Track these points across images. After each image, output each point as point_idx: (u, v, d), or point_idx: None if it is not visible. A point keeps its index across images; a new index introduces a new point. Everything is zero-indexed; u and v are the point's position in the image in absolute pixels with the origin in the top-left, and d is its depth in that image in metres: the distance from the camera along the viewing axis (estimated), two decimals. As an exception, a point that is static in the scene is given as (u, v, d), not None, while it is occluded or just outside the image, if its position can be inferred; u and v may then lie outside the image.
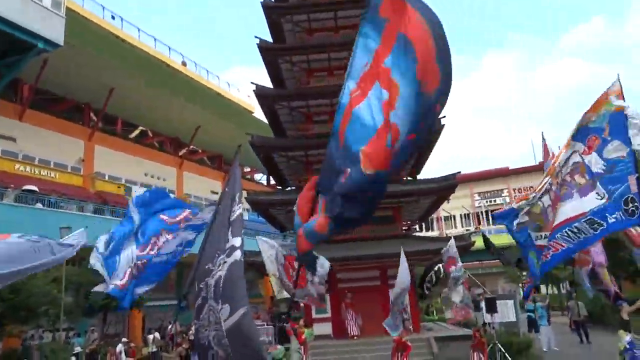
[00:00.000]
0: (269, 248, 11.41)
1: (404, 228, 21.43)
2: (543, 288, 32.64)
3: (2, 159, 25.67)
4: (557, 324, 20.45)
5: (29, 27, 22.31)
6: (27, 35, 22.44)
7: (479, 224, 59.44)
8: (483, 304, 16.28)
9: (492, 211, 60.67)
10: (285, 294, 12.09)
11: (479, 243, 21.10)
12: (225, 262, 3.97)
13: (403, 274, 11.53)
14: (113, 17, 31.54)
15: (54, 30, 23.73)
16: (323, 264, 10.53)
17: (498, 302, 16.08)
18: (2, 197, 20.52)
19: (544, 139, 8.30)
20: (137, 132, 39.34)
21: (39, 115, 28.53)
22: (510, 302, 17.63)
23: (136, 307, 20.11)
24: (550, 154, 8.20)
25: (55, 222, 19.13)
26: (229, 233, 4.17)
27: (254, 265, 19.58)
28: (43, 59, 25.66)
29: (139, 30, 33.24)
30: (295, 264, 11.08)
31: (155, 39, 34.50)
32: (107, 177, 32.20)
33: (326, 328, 19.27)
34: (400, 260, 11.75)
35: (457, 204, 56.70)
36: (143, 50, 32.24)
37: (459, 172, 19.91)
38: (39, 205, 21.56)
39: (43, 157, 28.34)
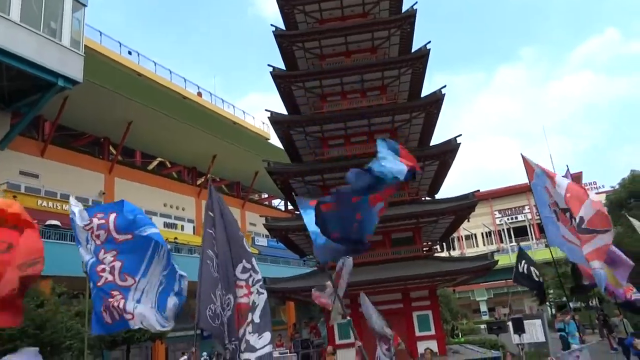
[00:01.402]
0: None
1: (424, 249, 21.14)
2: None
3: (25, 195, 26.20)
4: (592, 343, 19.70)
5: (48, 65, 22.99)
6: (47, 73, 23.12)
7: (501, 241, 58.39)
8: (510, 325, 15.85)
9: (514, 228, 59.65)
10: (340, 320, 11.71)
11: (502, 261, 20.70)
12: (257, 292, 3.99)
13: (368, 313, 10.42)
14: (130, 53, 32.55)
15: (73, 68, 24.43)
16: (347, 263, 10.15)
17: (525, 322, 15.64)
18: (26, 232, 20.84)
19: (524, 158, 8.25)
20: (155, 163, 39.95)
21: (60, 151, 29.20)
22: (538, 322, 17.11)
23: (159, 338, 20.06)
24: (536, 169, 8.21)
25: (77, 257, 19.36)
26: (246, 262, 4.13)
27: (276, 292, 19.48)
28: (63, 96, 26.39)
29: (155, 64, 34.19)
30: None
31: (171, 72, 35.41)
32: (127, 209, 32.59)
33: (350, 355, 18.93)
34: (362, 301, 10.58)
35: (477, 223, 55.91)
36: (159, 84, 33.04)
37: (478, 190, 19.68)
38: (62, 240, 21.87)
39: (65, 192, 28.84)
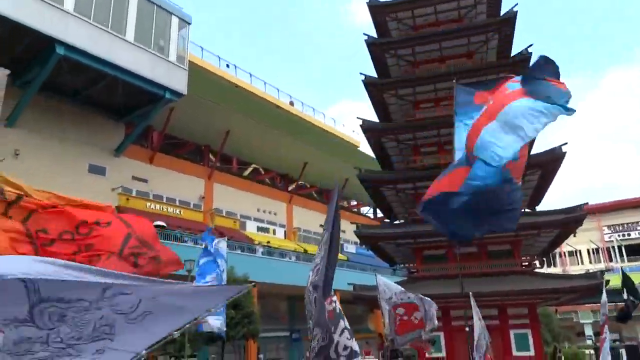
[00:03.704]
0: (386, 290, 11.09)
1: (523, 263, 19.89)
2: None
3: (136, 198, 28.63)
4: None
5: (158, 80, 25.08)
6: (156, 87, 25.24)
7: (610, 260, 53.28)
8: (623, 352, 14.38)
9: (626, 246, 54.19)
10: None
11: (613, 282, 18.89)
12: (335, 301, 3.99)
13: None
14: (228, 66, 34.40)
15: (178, 81, 26.43)
16: (431, 305, 10.02)
17: (643, 350, 14.10)
18: (136, 233, 22.79)
19: None
20: (250, 169, 41.76)
21: (166, 158, 31.58)
22: (658, 351, 15.38)
23: (251, 337, 20.82)
24: None
25: (179, 255, 20.74)
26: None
27: (364, 300, 19.40)
28: (170, 108, 28.57)
29: (250, 75, 35.82)
30: (400, 311, 10.69)
31: (265, 83, 36.88)
32: (224, 213, 34.39)
33: (441, 369, 18.31)
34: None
35: (583, 238, 51.45)
36: (254, 94, 34.53)
37: (587, 203, 18.17)
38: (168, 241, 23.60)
39: (170, 196, 31.13)
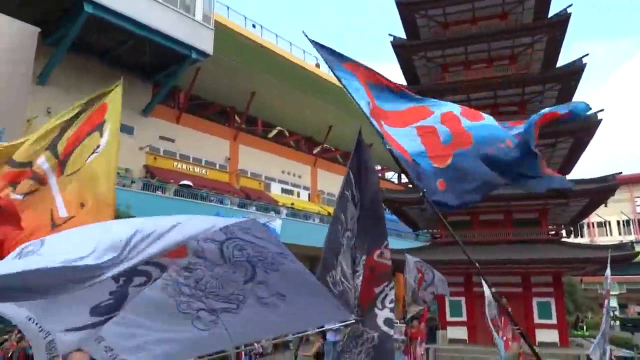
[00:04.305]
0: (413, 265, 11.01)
1: (550, 232, 19.59)
2: None
3: (163, 157, 29.08)
4: None
5: (183, 39, 24.97)
6: (182, 47, 25.15)
7: (641, 232, 52.06)
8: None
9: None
10: (413, 309, 11.79)
11: (643, 253, 18.48)
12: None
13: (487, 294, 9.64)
14: (254, 26, 33.86)
15: (204, 41, 26.25)
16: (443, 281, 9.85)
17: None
18: (164, 190, 23.29)
19: None
20: (275, 132, 41.76)
21: (192, 118, 31.78)
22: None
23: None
24: None
25: (205, 214, 21.19)
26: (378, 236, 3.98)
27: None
28: (196, 68, 28.51)
29: (276, 36, 35.23)
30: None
31: (291, 44, 36.27)
32: (249, 174, 34.72)
33: (460, 332, 18.50)
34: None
35: (613, 209, 50.17)
36: (280, 55, 34.06)
37: (620, 173, 17.61)
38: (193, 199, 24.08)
39: (196, 156, 31.51)
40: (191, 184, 25.76)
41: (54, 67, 22.72)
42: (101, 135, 4.73)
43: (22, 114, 21.93)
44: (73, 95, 24.08)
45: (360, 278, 3.83)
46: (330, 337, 16.28)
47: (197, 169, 30.81)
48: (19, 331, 12.23)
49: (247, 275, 2.42)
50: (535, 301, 18.06)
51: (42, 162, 4.52)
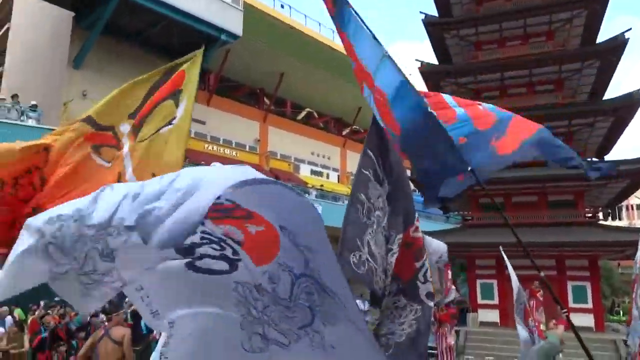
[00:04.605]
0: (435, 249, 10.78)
1: (587, 214, 19.05)
2: None
3: (194, 139, 29.48)
4: None
5: (213, 21, 25.03)
6: (211, 28, 25.22)
7: (684, 214, 50.05)
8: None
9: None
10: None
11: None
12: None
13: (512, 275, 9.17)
14: (282, 6, 33.58)
15: (234, 23, 26.24)
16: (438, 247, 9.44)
17: None
18: (194, 173, 23.65)
19: None
20: (304, 113, 41.66)
21: (222, 100, 32.00)
22: None
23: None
24: None
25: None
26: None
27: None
28: (225, 50, 28.58)
29: (305, 16, 34.88)
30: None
31: (320, 24, 35.88)
32: (279, 156, 34.89)
33: (491, 315, 18.33)
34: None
35: (654, 190, 48.36)
36: (309, 36, 33.77)
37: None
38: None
39: (226, 138, 31.83)
40: (221, 165, 26.09)
41: (88, 50, 23.17)
42: (176, 106, 4.70)
43: (59, 98, 22.55)
44: (107, 78, 24.57)
45: (395, 256, 3.81)
46: (360, 317, 16.43)
47: (227, 151, 31.15)
48: (62, 306, 12.73)
49: (305, 321, 2.36)
50: (570, 285, 17.70)
51: (125, 128, 4.56)
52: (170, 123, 4.61)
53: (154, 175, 4.34)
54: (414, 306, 3.72)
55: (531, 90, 19.60)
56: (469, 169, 3.66)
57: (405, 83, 3.67)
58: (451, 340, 11.86)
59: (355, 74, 4.08)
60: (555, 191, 18.37)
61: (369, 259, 4.12)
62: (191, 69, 4.89)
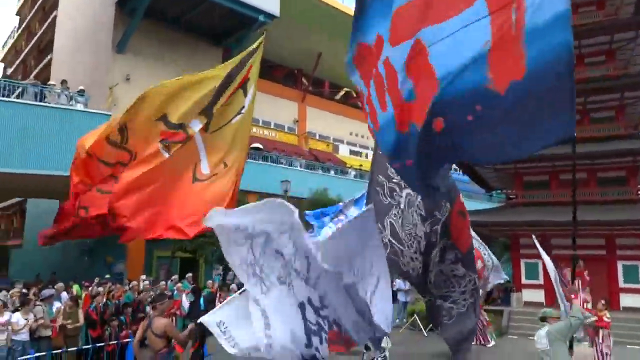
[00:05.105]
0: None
1: (639, 192, 18.18)
2: None
3: (235, 121, 29.89)
4: None
5: (251, 2, 25.08)
6: (249, 10, 25.30)
7: None
8: None
9: None
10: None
11: None
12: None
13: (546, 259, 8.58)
14: (319, -16, 33.28)
15: (271, 3, 26.18)
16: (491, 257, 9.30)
17: None
18: (235, 153, 24.05)
19: None
20: (342, 93, 41.38)
21: (261, 81, 31.63)
22: None
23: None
24: None
25: (275, 176, 21.84)
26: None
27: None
28: (263, 31, 28.60)
29: (342, -5, 34.43)
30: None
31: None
32: (317, 136, 34.93)
33: (536, 295, 17.95)
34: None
35: None
36: (346, 15, 33.30)
37: None
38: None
39: (265, 119, 32.09)
40: (261, 146, 26.36)
41: (130, 35, 23.71)
42: (245, 95, 4.91)
43: (104, 82, 23.25)
44: (150, 62, 25.14)
45: (438, 226, 3.81)
46: (401, 297, 16.43)
47: (266, 132, 31.43)
48: (113, 282, 13.26)
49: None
50: (620, 264, 17.04)
51: (195, 125, 4.80)
52: (239, 112, 4.83)
53: (225, 165, 4.57)
54: (472, 276, 3.74)
55: (580, 62, 18.67)
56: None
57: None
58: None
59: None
60: (605, 168, 17.60)
61: (392, 240, 4.07)
62: (256, 59, 5.05)
